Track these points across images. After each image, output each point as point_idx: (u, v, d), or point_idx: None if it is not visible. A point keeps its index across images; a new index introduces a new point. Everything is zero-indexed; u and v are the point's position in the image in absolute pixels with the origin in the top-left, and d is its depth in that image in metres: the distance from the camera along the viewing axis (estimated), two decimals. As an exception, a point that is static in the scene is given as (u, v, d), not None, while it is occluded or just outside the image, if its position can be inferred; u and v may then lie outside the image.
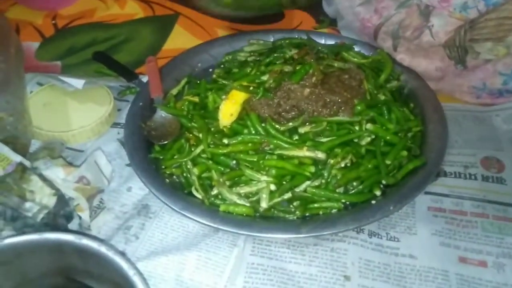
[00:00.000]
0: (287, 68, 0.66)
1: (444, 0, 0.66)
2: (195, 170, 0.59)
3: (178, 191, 0.60)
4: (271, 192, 0.57)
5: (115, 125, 0.72)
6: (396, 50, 0.74)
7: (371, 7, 0.73)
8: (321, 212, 0.57)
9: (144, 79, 0.77)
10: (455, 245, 0.55)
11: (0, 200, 0.51)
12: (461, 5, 0.64)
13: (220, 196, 0.58)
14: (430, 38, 0.67)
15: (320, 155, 0.58)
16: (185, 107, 0.68)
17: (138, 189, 0.62)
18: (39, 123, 0.68)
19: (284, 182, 0.58)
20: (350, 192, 0.59)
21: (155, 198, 0.58)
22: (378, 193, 0.58)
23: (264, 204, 0.56)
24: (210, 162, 0.60)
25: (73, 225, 0.56)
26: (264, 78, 0.66)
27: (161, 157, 0.64)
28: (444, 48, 0.68)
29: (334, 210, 0.57)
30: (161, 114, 0.69)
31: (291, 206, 0.58)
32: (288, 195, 0.57)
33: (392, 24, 0.71)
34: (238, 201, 0.57)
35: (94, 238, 0.46)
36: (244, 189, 0.57)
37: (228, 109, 0.64)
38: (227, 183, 0.58)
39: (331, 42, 0.81)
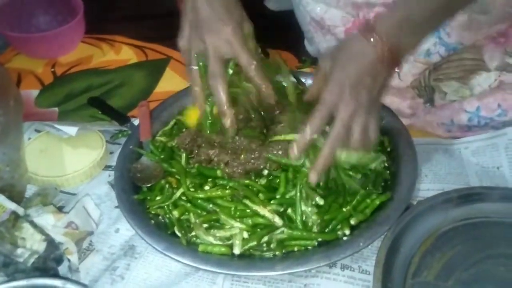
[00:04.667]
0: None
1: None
2: (175, 213, 0.63)
3: (162, 232, 0.63)
4: (245, 239, 0.60)
5: (107, 167, 0.76)
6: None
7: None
8: (296, 249, 0.60)
9: (136, 122, 0.82)
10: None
11: (-7, 248, 0.55)
12: (425, 52, 0.69)
13: (197, 238, 0.62)
14: (399, 80, 0.71)
15: (277, 220, 0.60)
16: (159, 148, 0.73)
17: (125, 230, 0.66)
18: (35, 169, 0.73)
19: (258, 230, 0.61)
20: (322, 231, 0.61)
21: (141, 238, 0.62)
22: (347, 232, 0.60)
23: (236, 251, 0.59)
24: (189, 205, 0.64)
25: (63, 267, 0.60)
26: None
27: (148, 198, 0.68)
28: (412, 88, 0.73)
29: (309, 247, 0.61)
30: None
31: (269, 246, 0.61)
32: (264, 239, 0.60)
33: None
34: (214, 242, 0.60)
35: (78, 283, 0.50)
36: (219, 233, 0.61)
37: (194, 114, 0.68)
38: (204, 225, 0.62)
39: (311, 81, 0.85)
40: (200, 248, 0.60)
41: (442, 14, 0.58)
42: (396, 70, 0.62)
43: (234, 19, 0.60)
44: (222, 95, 0.59)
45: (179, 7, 0.65)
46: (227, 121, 0.61)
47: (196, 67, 0.61)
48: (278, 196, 0.62)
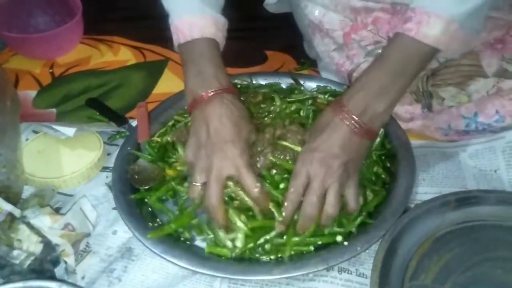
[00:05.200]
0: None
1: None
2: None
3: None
4: (247, 236, 0.60)
5: (105, 169, 0.76)
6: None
7: (344, 53, 0.78)
8: (292, 252, 0.60)
9: (134, 123, 0.82)
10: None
11: (-11, 250, 0.55)
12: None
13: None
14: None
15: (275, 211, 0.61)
16: (155, 149, 0.73)
17: (123, 232, 0.66)
18: (32, 170, 0.73)
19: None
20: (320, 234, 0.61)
21: (138, 241, 0.62)
22: (339, 239, 0.60)
23: (239, 243, 0.59)
24: None
25: (59, 269, 0.60)
26: None
27: (145, 200, 0.68)
28: (410, 93, 0.73)
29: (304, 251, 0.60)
30: (145, 158, 0.73)
31: (265, 249, 0.61)
32: (261, 241, 0.60)
33: (362, 71, 0.75)
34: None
35: (74, 285, 0.50)
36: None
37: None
38: None
39: (310, 83, 0.85)
40: (206, 249, 0.60)
41: (401, 78, 0.59)
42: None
43: (243, 138, 0.61)
44: (220, 214, 0.59)
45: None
46: (221, 222, 0.61)
47: (198, 184, 0.61)
48: (281, 186, 0.62)
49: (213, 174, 0.59)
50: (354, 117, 0.59)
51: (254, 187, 0.59)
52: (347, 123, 0.59)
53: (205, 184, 0.60)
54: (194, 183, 0.61)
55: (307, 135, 0.64)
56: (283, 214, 0.59)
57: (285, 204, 0.59)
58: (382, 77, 0.59)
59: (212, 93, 0.62)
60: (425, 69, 0.68)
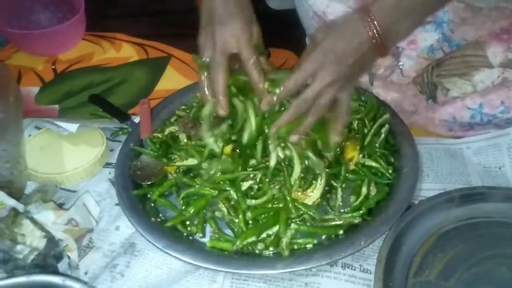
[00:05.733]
0: None
1: (412, 43, 0.70)
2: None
3: (162, 230, 0.63)
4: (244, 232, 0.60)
5: (107, 165, 0.76)
6: (372, 84, 0.78)
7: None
8: (296, 247, 0.60)
9: (136, 119, 0.82)
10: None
11: (-7, 244, 0.55)
12: (428, 47, 0.69)
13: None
14: (401, 76, 0.71)
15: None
16: (157, 144, 0.73)
17: (125, 227, 0.66)
18: (35, 166, 0.73)
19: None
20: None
21: (141, 236, 0.62)
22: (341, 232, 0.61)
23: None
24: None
25: (62, 264, 0.60)
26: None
27: (148, 195, 0.68)
28: (415, 84, 0.72)
29: (309, 245, 0.60)
30: (148, 154, 0.73)
31: (266, 243, 0.61)
32: (263, 236, 0.60)
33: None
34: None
35: (77, 279, 0.50)
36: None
37: None
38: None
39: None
40: (209, 244, 0.60)
41: (432, 4, 0.60)
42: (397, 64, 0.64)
43: (244, 17, 0.64)
44: (220, 84, 0.62)
45: (198, 5, 0.68)
46: (220, 110, 0.63)
47: (207, 59, 0.64)
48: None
49: (217, 46, 0.62)
50: (379, 28, 0.57)
51: (250, 58, 0.62)
52: (370, 33, 0.58)
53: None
54: (203, 60, 0.64)
55: (320, 32, 0.61)
56: (274, 97, 0.60)
57: (280, 88, 0.59)
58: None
59: None
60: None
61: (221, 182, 0.64)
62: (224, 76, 0.61)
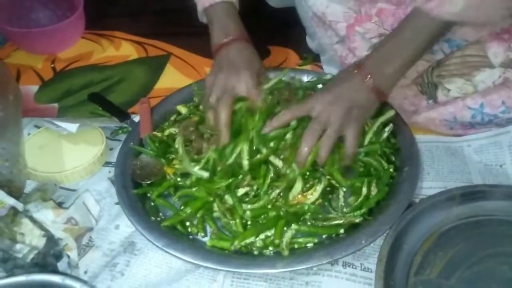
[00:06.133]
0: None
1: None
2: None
3: (162, 229, 0.63)
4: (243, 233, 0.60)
5: (107, 164, 0.76)
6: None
7: (346, 46, 0.77)
8: (296, 246, 0.60)
9: (136, 118, 0.81)
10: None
11: (-8, 243, 0.55)
12: (428, 48, 0.68)
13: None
14: (403, 78, 0.70)
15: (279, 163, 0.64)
16: (156, 142, 0.73)
17: (125, 226, 0.66)
18: (34, 165, 0.72)
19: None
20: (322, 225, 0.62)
21: (141, 235, 0.62)
22: (342, 231, 0.61)
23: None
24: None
25: (62, 263, 0.59)
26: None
27: (148, 194, 0.68)
28: (415, 84, 0.72)
29: (309, 244, 0.60)
30: (147, 153, 0.73)
31: (265, 243, 0.61)
32: (261, 237, 0.60)
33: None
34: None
35: (77, 279, 0.49)
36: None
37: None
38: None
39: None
40: (209, 243, 0.60)
41: (423, 53, 0.65)
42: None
43: (254, 68, 0.73)
44: (224, 118, 0.67)
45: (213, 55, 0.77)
46: (223, 140, 0.67)
47: (213, 101, 0.70)
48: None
49: (228, 90, 0.70)
50: (367, 71, 0.65)
51: (258, 97, 0.70)
52: (360, 74, 0.65)
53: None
54: (209, 100, 0.71)
55: (318, 99, 0.67)
56: (301, 154, 0.63)
57: (302, 145, 0.63)
58: (394, 43, 0.65)
59: (232, 38, 0.74)
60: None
61: (217, 188, 0.64)
62: (229, 113, 0.67)
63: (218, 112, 0.67)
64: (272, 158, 0.65)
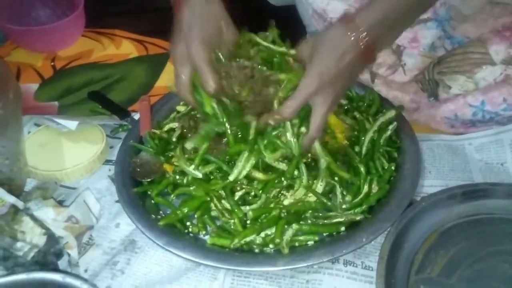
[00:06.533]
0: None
1: (414, 41, 0.70)
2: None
3: (163, 227, 0.63)
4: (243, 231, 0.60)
5: (107, 162, 0.76)
6: (373, 82, 0.77)
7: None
8: (297, 244, 0.60)
9: (136, 116, 0.81)
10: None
11: (-8, 241, 0.55)
12: (430, 45, 0.69)
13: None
14: (403, 74, 0.71)
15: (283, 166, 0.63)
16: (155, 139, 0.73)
17: (126, 224, 0.66)
18: (35, 163, 0.72)
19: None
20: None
21: (142, 233, 0.62)
22: (342, 229, 0.61)
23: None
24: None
25: (62, 262, 0.59)
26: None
27: (148, 192, 0.68)
28: (416, 82, 0.72)
29: (310, 242, 0.60)
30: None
31: (265, 241, 0.60)
32: (261, 235, 0.60)
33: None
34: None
35: (78, 277, 0.49)
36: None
37: None
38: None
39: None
40: (209, 241, 0.60)
41: (417, 10, 0.59)
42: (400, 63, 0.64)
43: (211, 31, 0.64)
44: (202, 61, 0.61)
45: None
46: (210, 83, 0.61)
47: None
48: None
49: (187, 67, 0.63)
50: (365, 37, 0.57)
51: (207, 74, 0.61)
52: (358, 43, 0.57)
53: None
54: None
55: (307, 48, 0.61)
56: (277, 116, 0.59)
57: (288, 102, 0.59)
58: (402, 4, 0.57)
59: None
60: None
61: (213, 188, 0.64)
62: (190, 95, 0.63)
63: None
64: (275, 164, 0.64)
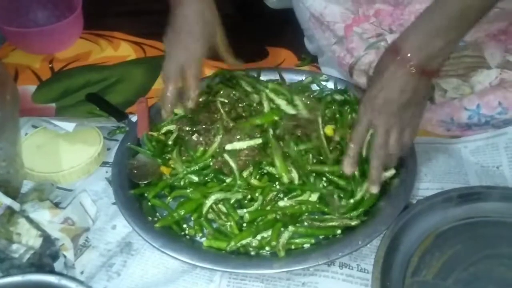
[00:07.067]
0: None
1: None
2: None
3: (159, 229, 0.63)
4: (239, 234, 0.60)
5: (104, 164, 0.76)
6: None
7: (344, 46, 0.77)
8: (293, 247, 0.60)
9: (134, 118, 0.81)
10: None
11: (-12, 243, 0.55)
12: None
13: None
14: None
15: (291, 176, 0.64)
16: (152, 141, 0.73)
17: (122, 226, 0.66)
18: (31, 165, 0.72)
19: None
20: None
21: (138, 235, 0.62)
22: (338, 232, 0.61)
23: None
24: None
25: (58, 264, 0.59)
26: None
27: (145, 194, 0.68)
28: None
29: (306, 245, 0.60)
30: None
31: (262, 243, 0.60)
32: (257, 238, 0.60)
33: (364, 64, 0.75)
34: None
35: (73, 279, 0.49)
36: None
37: None
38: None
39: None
40: (205, 243, 0.60)
41: (459, 22, 0.56)
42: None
43: (206, 32, 0.67)
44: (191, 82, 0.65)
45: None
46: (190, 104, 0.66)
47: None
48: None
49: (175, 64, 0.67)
50: (410, 57, 0.56)
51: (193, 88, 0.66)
52: (403, 66, 0.57)
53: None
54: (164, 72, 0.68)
55: (369, 80, 0.64)
56: (350, 154, 0.61)
57: (351, 145, 0.61)
58: (437, 20, 0.56)
59: None
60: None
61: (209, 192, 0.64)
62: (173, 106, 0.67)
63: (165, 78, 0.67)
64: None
